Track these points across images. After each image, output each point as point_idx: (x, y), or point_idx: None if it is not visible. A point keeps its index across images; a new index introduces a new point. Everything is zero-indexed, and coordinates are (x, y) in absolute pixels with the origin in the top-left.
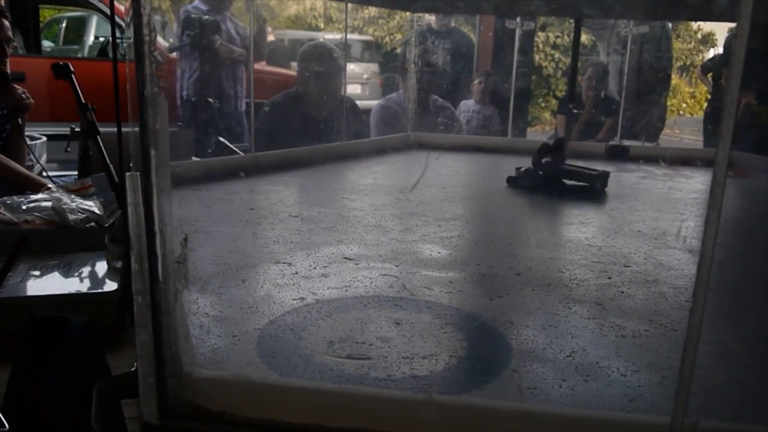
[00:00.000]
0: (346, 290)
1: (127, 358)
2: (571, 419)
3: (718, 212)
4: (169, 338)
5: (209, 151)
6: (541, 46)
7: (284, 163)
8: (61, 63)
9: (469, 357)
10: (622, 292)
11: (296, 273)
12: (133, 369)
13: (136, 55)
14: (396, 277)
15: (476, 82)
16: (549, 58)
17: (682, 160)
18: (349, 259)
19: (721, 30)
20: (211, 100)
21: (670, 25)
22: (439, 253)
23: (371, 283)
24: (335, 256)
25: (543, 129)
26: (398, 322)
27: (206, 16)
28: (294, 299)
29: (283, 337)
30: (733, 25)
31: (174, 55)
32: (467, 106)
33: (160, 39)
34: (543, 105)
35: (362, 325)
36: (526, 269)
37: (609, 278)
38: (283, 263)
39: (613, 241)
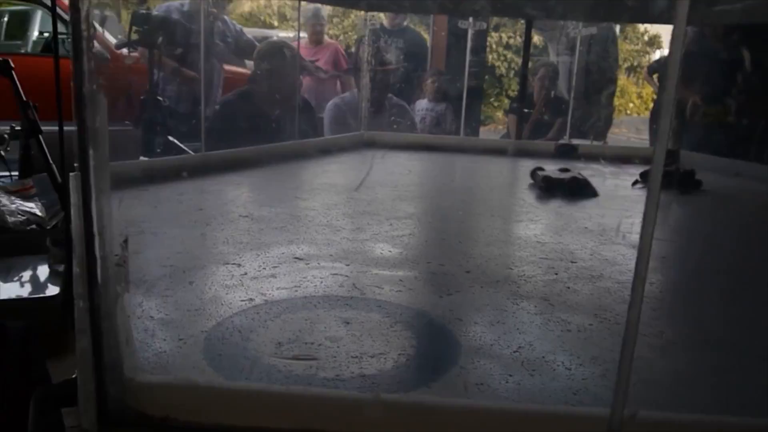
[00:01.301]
0: (296, 290)
1: (71, 365)
2: (515, 414)
3: (655, 209)
4: (110, 343)
5: (158, 150)
6: (494, 46)
7: (235, 162)
8: (0, 59)
9: (418, 355)
10: (569, 288)
11: (245, 274)
12: (73, 376)
13: (74, 51)
14: (346, 276)
15: (429, 81)
16: (502, 58)
17: (628, 158)
18: (300, 259)
19: (667, 32)
20: (160, 98)
21: (617, 27)
22: (390, 251)
23: (321, 282)
24: (285, 256)
25: (496, 128)
26: (348, 321)
27: (166, 15)
28: (242, 300)
29: (231, 339)
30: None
31: (124, 51)
32: (421, 105)
33: (108, 35)
34: (496, 104)
35: (311, 325)
36: (476, 266)
37: (556, 274)
38: (232, 264)
39: (561, 237)
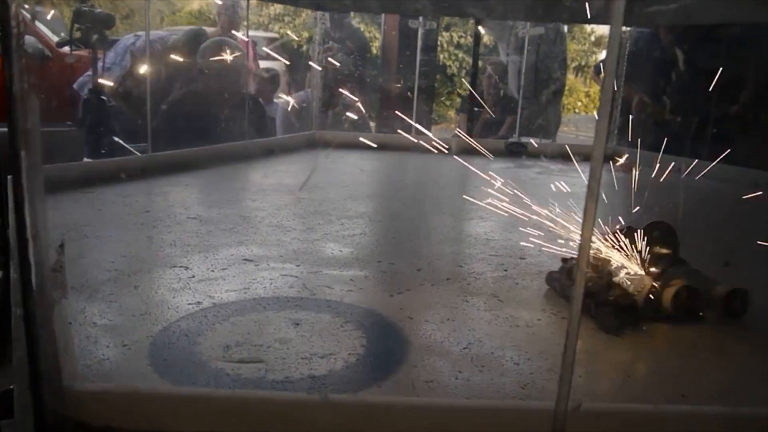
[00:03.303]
0: (245, 292)
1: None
2: (462, 410)
3: (594, 205)
4: (47, 351)
5: (103, 152)
6: (445, 45)
7: (183, 163)
8: None
9: (368, 354)
10: (517, 284)
11: (193, 277)
12: (10, 387)
13: (3, 49)
14: (296, 277)
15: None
16: (453, 57)
17: (575, 155)
18: (249, 261)
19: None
20: (104, 98)
21: (565, 27)
22: (340, 251)
23: (271, 284)
24: (235, 257)
25: (448, 127)
26: (298, 322)
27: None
28: (190, 304)
29: (177, 344)
30: (625, 28)
31: (66, 49)
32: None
33: (49, 32)
34: (448, 103)
35: (260, 327)
36: (427, 265)
37: (505, 271)
38: (180, 267)
39: (510, 234)
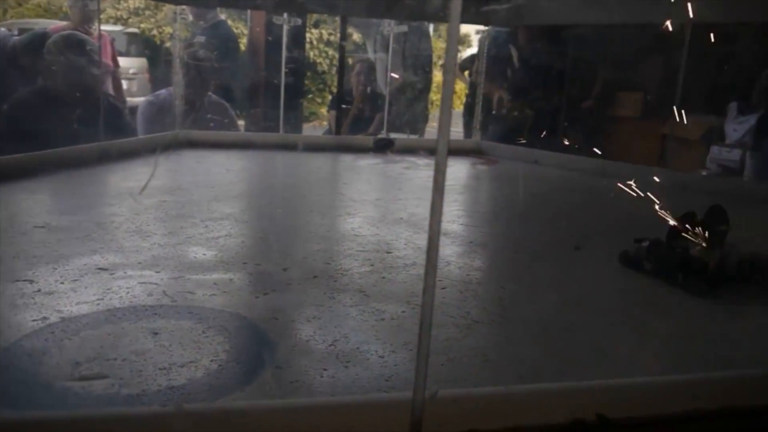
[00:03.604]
0: (98, 304)
1: None
2: (321, 408)
3: (440, 198)
4: None
5: None
6: (314, 42)
7: (29, 168)
8: None
9: (231, 359)
10: (384, 278)
11: (39, 290)
12: None
13: None
14: (156, 284)
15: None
16: (323, 54)
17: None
18: (104, 270)
19: (473, 31)
20: None
21: (431, 25)
22: (204, 254)
23: (128, 293)
24: (87, 267)
25: (321, 124)
26: (156, 332)
27: None
28: (34, 320)
29: (19, 365)
30: (483, 27)
31: None
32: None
33: None
34: (319, 101)
35: (115, 340)
36: (294, 264)
37: (372, 265)
38: (23, 281)
39: (377, 229)
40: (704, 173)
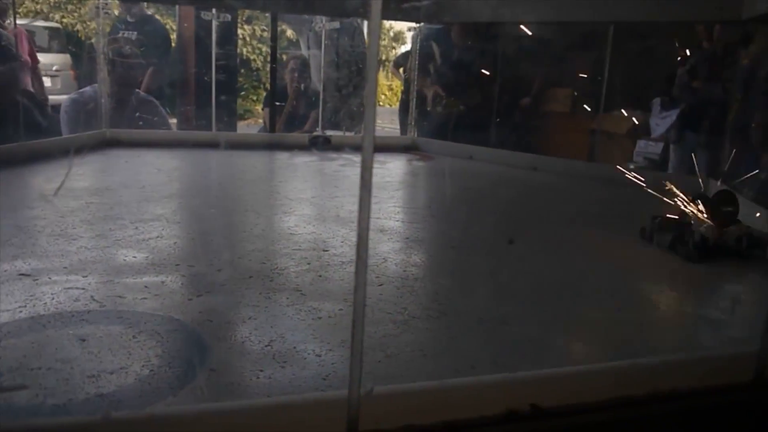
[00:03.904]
0: (21, 311)
1: None
2: (256, 410)
3: (368, 195)
4: None
5: None
6: (248, 39)
7: None
8: None
9: (163, 364)
10: (320, 276)
11: None
12: None
13: None
14: (83, 289)
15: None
16: (257, 51)
17: (379, 147)
18: (26, 275)
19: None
20: None
21: (364, 22)
22: (134, 257)
23: (53, 299)
24: (8, 273)
25: (256, 122)
26: (83, 338)
27: None
28: None
29: None
30: (414, 24)
31: None
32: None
33: None
34: (255, 99)
35: (39, 348)
36: (228, 264)
37: (308, 264)
38: None
39: (314, 227)
40: (632, 166)
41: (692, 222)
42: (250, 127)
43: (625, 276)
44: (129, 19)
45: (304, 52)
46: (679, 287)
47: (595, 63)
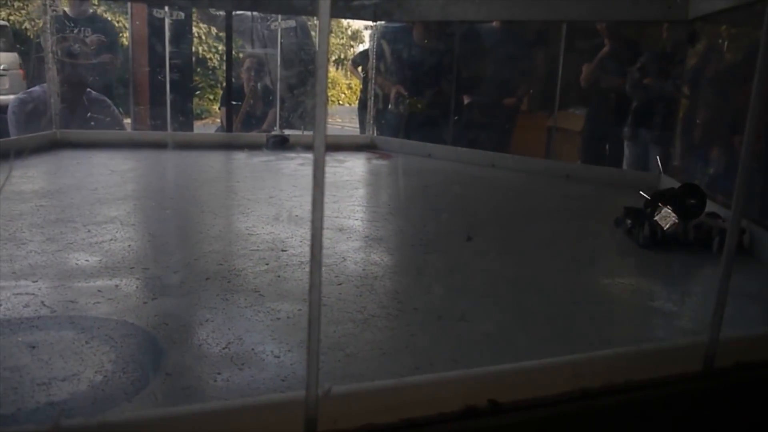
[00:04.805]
0: None
1: None
2: (212, 414)
3: (321, 195)
4: None
5: None
6: (203, 37)
7: None
8: None
9: (117, 370)
10: (279, 276)
11: None
12: None
13: None
14: (33, 294)
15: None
16: (213, 50)
17: (338, 146)
18: None
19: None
20: None
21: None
22: (87, 261)
23: (1, 305)
24: None
25: (214, 122)
26: (33, 345)
27: None
28: None
29: None
30: (371, 23)
31: None
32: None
33: None
34: (212, 98)
35: None
36: (185, 266)
37: (267, 264)
38: None
39: (272, 228)
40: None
41: (653, 212)
42: (208, 126)
43: (581, 269)
44: (72, 15)
45: (260, 50)
46: (634, 279)
47: (551, 61)
